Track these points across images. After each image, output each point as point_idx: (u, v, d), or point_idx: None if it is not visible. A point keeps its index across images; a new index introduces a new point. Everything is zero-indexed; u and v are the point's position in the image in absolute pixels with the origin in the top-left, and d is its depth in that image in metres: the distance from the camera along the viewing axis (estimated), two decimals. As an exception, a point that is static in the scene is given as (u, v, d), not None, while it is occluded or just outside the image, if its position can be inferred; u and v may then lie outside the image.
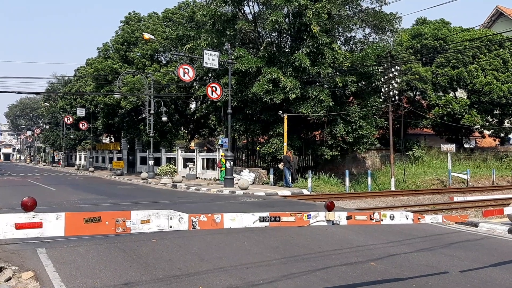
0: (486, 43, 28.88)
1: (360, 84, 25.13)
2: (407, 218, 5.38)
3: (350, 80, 23.45)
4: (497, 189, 23.38)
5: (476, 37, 29.31)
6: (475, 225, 10.45)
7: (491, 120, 32.75)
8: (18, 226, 3.33)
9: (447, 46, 29.55)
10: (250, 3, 25.20)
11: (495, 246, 8.52)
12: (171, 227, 3.93)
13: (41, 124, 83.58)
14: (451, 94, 30.77)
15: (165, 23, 37.32)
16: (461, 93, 31.44)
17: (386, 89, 23.73)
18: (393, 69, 23.23)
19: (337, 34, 25.93)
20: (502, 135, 34.60)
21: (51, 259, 7.09)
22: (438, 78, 28.96)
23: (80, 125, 46.25)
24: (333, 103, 23.42)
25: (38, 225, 3.39)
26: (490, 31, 32.67)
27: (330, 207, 4.82)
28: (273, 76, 21.99)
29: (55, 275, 6.21)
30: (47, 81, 73.04)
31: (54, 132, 60.86)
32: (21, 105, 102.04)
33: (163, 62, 37.88)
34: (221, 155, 25.59)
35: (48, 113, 60.50)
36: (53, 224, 3.44)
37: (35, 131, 75.81)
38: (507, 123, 33.48)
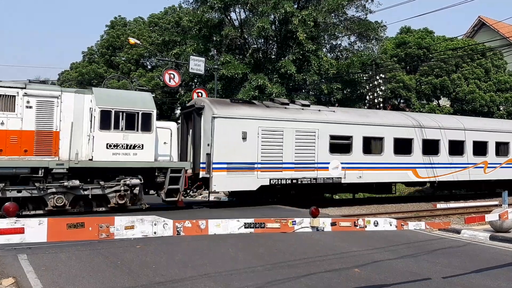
0: (469, 53, 29.36)
1: (345, 91, 25.33)
2: (390, 225, 5.43)
3: (335, 87, 23.65)
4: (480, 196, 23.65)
5: (459, 47, 29.77)
6: (458, 231, 10.57)
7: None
8: (0, 232, 3.28)
9: (431, 55, 29.93)
10: (237, 10, 25.26)
11: (477, 252, 8.63)
12: (155, 233, 3.91)
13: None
14: (435, 102, 31.14)
15: (151, 28, 37.14)
16: (444, 101, 31.84)
17: (371, 96, 23.97)
18: (377, 77, 23.49)
19: (323, 41, 26.14)
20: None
21: (32, 266, 6.96)
22: (422, 86, 29.30)
23: (64, 129, 45.58)
24: (319, 110, 23.57)
25: (20, 230, 3.35)
26: (473, 40, 33.16)
27: (315, 214, 4.84)
28: (259, 82, 22.05)
29: (36, 282, 6.10)
30: (30, 84, 72.00)
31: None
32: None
33: (149, 67, 37.68)
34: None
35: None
36: (36, 230, 3.40)
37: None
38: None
